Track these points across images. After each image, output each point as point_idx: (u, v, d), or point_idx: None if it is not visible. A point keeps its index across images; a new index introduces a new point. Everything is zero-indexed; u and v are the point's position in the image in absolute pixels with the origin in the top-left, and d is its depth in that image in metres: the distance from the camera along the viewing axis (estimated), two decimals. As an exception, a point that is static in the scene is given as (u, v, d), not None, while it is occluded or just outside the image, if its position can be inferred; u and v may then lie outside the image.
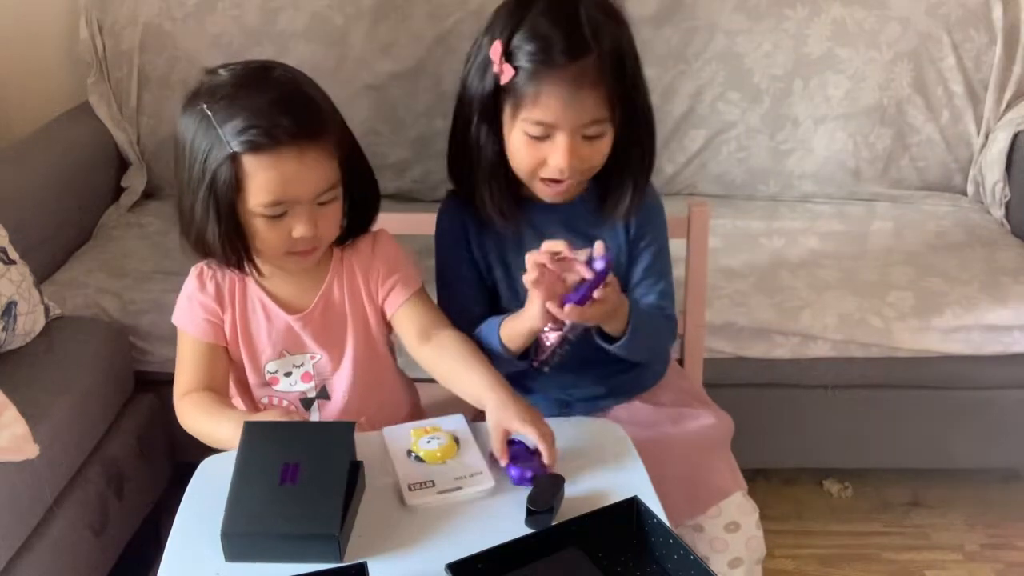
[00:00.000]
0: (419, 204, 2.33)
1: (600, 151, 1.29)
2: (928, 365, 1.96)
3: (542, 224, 1.38)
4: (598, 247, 1.21)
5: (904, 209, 2.36)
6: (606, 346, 1.33)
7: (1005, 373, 1.97)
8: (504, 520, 1.11)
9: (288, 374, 1.37)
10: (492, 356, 1.35)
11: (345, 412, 1.38)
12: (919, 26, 2.31)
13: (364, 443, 1.22)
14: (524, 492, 1.14)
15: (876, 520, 2.11)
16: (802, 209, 2.37)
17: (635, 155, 1.34)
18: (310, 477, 1.10)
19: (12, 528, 1.49)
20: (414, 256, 1.42)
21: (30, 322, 1.72)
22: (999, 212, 2.30)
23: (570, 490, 1.14)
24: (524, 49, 1.24)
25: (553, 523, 1.09)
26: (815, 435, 2.06)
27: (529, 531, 1.08)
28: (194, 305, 1.34)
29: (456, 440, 1.23)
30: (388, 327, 1.40)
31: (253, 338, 1.35)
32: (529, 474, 1.16)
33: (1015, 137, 2.29)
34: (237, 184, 1.19)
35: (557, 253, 1.20)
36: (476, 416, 1.51)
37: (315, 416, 1.39)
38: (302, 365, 1.37)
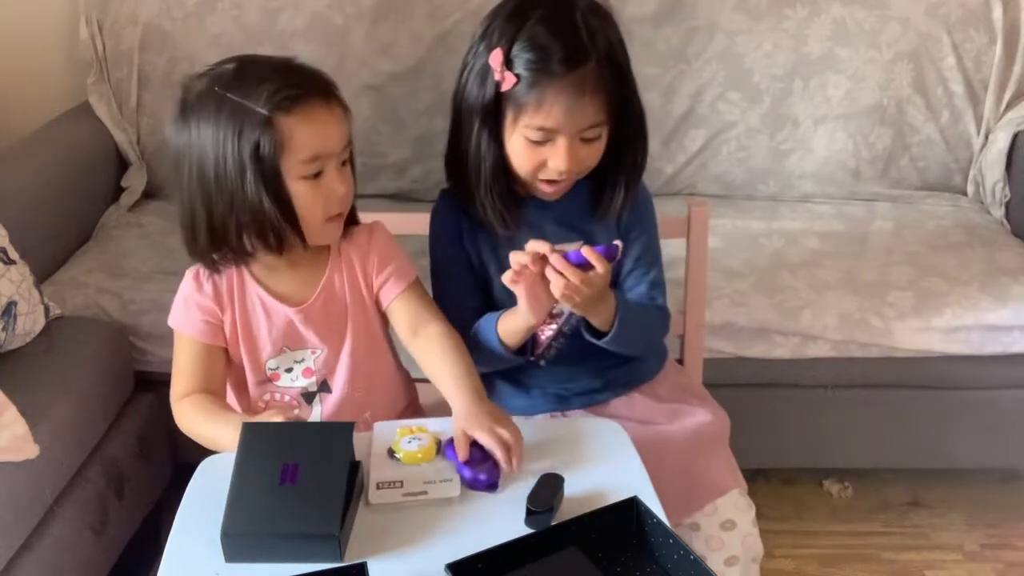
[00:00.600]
0: (419, 204, 2.33)
1: (597, 151, 1.32)
2: (928, 365, 1.96)
3: (536, 221, 1.40)
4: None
5: (904, 209, 2.36)
6: (595, 341, 1.34)
7: (1005, 373, 1.97)
8: (504, 520, 1.11)
9: (289, 370, 1.37)
10: (491, 352, 1.36)
11: (345, 403, 1.39)
12: (919, 26, 2.31)
13: (364, 443, 1.22)
14: (524, 492, 1.14)
15: (876, 520, 2.11)
16: (802, 209, 2.37)
17: (628, 155, 1.36)
18: (310, 477, 1.10)
19: (12, 528, 1.49)
20: (410, 253, 1.42)
21: (30, 322, 1.72)
22: (999, 212, 2.30)
23: (570, 490, 1.14)
24: (524, 58, 1.26)
25: (553, 523, 1.09)
26: (815, 435, 2.06)
27: (529, 531, 1.08)
28: (191, 307, 1.34)
29: (439, 443, 1.22)
30: (384, 318, 1.41)
31: (253, 336, 1.35)
32: (482, 477, 1.15)
33: (1015, 137, 2.30)
34: (280, 147, 1.21)
35: (541, 254, 1.21)
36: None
37: (316, 409, 1.39)
38: (303, 361, 1.37)
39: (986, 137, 2.36)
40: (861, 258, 2.12)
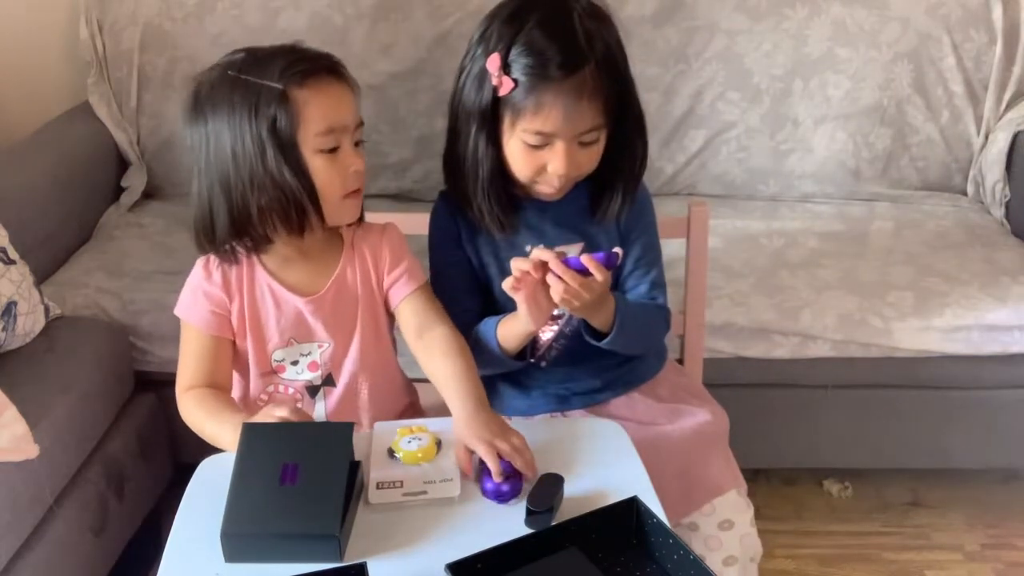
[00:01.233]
0: (419, 204, 2.33)
1: (596, 154, 1.32)
2: (928, 365, 1.96)
3: (536, 223, 1.40)
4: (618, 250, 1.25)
5: (904, 209, 2.36)
6: (595, 343, 1.34)
7: (1005, 373, 1.97)
8: (504, 520, 1.11)
9: (295, 363, 1.37)
10: (490, 356, 1.36)
11: (349, 398, 1.39)
12: (919, 26, 2.31)
13: (363, 443, 1.22)
14: (524, 492, 1.14)
15: (876, 520, 2.11)
16: (802, 209, 2.37)
17: (627, 158, 1.35)
18: (310, 477, 1.10)
19: (12, 528, 1.49)
20: (414, 253, 1.42)
21: (30, 322, 1.72)
22: (999, 212, 2.30)
23: (570, 490, 1.14)
24: (521, 63, 1.25)
25: (553, 523, 1.09)
26: (815, 435, 2.06)
27: (529, 531, 1.08)
28: (199, 296, 1.34)
29: (438, 443, 1.22)
30: (390, 317, 1.41)
31: (261, 325, 1.35)
32: (506, 488, 1.14)
33: (1015, 137, 2.29)
34: (296, 119, 1.23)
35: (543, 261, 1.21)
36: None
37: (320, 404, 1.39)
38: (309, 354, 1.37)
39: (986, 137, 2.36)
40: (861, 258, 2.12)
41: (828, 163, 2.38)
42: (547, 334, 1.42)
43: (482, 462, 1.16)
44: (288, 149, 1.23)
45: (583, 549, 1.06)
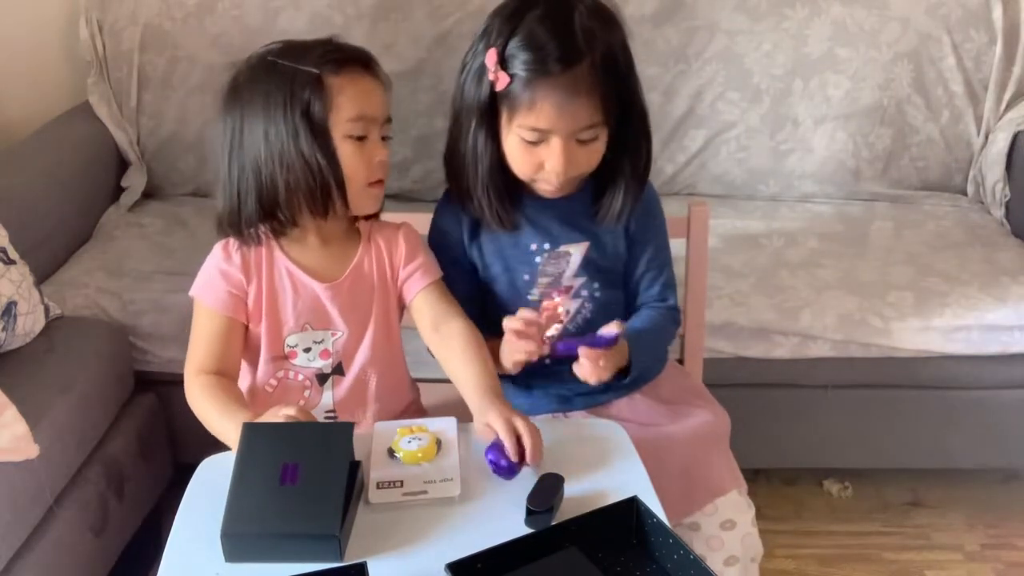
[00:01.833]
0: (420, 204, 2.33)
1: (595, 153, 1.32)
2: (928, 365, 1.96)
3: (541, 220, 1.40)
4: (614, 325, 1.27)
5: (904, 209, 2.36)
6: (621, 383, 1.37)
7: (1005, 373, 1.97)
8: (504, 520, 1.11)
9: (307, 350, 1.38)
10: None
11: (357, 389, 1.40)
12: (919, 26, 2.31)
13: (363, 442, 1.22)
14: (524, 492, 1.14)
15: (876, 520, 2.11)
16: (802, 209, 2.37)
17: (630, 159, 1.35)
18: (310, 477, 1.10)
19: (12, 528, 1.49)
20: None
21: (30, 322, 1.72)
22: (999, 212, 2.30)
23: (570, 490, 1.14)
24: (518, 57, 1.26)
25: (553, 523, 1.09)
26: (815, 435, 2.06)
27: (529, 531, 1.08)
28: (216, 277, 1.35)
29: (439, 443, 1.22)
30: (401, 312, 1.43)
31: (278, 308, 1.36)
32: (504, 463, 1.16)
33: (1015, 137, 2.29)
34: (329, 104, 1.28)
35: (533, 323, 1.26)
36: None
37: (328, 393, 1.40)
38: (322, 342, 1.38)
39: (986, 137, 2.36)
40: (861, 258, 2.12)
41: (828, 163, 2.38)
42: (552, 331, 1.42)
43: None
44: (319, 133, 1.29)
45: (583, 549, 1.06)
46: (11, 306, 1.67)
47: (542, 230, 1.40)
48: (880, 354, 1.94)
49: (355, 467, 1.16)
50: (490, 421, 1.19)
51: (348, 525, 1.09)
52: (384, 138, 1.35)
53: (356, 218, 1.41)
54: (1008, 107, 2.35)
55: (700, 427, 1.43)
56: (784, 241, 2.19)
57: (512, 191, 1.37)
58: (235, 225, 1.34)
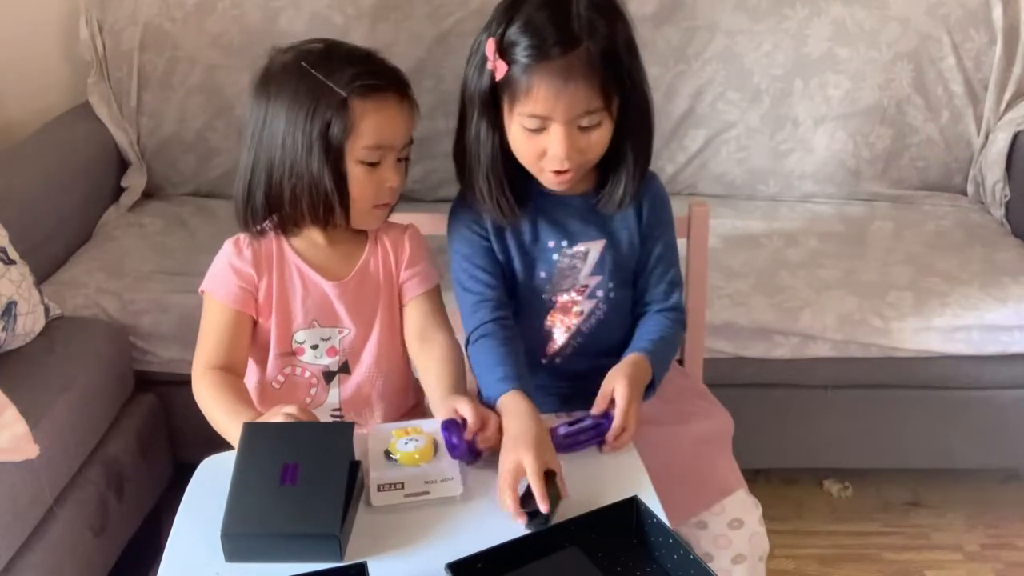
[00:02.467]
0: (420, 204, 2.33)
1: (598, 141, 1.31)
2: (928, 365, 1.96)
3: (557, 215, 1.40)
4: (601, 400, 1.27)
5: (904, 209, 2.36)
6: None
7: (1005, 373, 1.97)
8: (504, 520, 1.11)
9: (315, 346, 1.39)
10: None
11: (363, 388, 1.41)
12: (919, 26, 2.31)
13: (361, 443, 1.22)
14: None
15: (876, 520, 2.11)
16: (802, 209, 2.37)
17: (631, 146, 1.35)
18: (310, 477, 1.10)
19: (12, 528, 1.49)
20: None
21: (30, 322, 1.72)
22: (999, 212, 2.30)
23: (570, 490, 1.14)
24: (517, 44, 1.26)
25: (552, 522, 1.09)
26: (815, 435, 2.06)
27: (529, 531, 1.08)
28: (228, 271, 1.36)
29: (435, 444, 1.22)
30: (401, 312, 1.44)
31: (288, 303, 1.37)
32: (456, 441, 1.16)
33: (1015, 137, 2.30)
34: (349, 129, 1.28)
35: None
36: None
37: (334, 391, 1.41)
38: (330, 339, 1.39)
39: (986, 137, 2.36)
40: (861, 258, 2.12)
41: (828, 163, 2.38)
42: (565, 330, 1.42)
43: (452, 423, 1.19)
44: (333, 154, 1.29)
45: (583, 549, 1.06)
46: (11, 306, 1.67)
47: (560, 228, 1.40)
48: (880, 354, 1.94)
49: (355, 467, 1.16)
50: (457, 406, 1.20)
51: (348, 525, 1.09)
52: (401, 159, 1.36)
53: None
54: (1008, 107, 2.35)
55: (705, 427, 1.44)
56: (784, 241, 2.19)
57: (517, 183, 1.37)
58: (243, 214, 1.35)
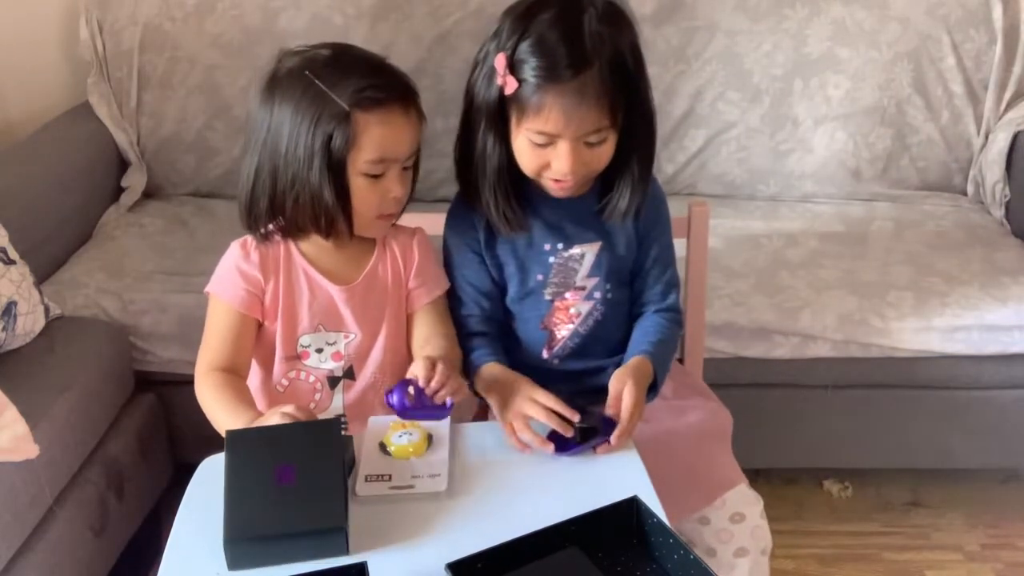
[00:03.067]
0: (419, 204, 2.32)
1: (603, 154, 1.32)
2: (928, 365, 1.96)
3: (553, 217, 1.40)
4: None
5: (904, 209, 2.36)
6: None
7: (1005, 373, 1.97)
8: (504, 519, 1.10)
9: (320, 350, 1.38)
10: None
11: (367, 393, 1.40)
12: (919, 26, 2.31)
13: (357, 439, 1.24)
14: (524, 491, 1.14)
15: (876, 520, 2.11)
16: (802, 209, 2.37)
17: (636, 157, 1.36)
18: (307, 475, 1.09)
19: (12, 528, 1.49)
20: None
21: (30, 322, 1.72)
22: (999, 212, 2.30)
23: (570, 490, 1.15)
24: (528, 63, 1.25)
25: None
26: (815, 435, 2.06)
27: (529, 531, 1.07)
28: (234, 274, 1.36)
29: (429, 438, 1.23)
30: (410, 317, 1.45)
31: (294, 307, 1.37)
32: (397, 396, 1.17)
33: (1015, 137, 2.29)
34: (352, 142, 1.26)
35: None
36: (477, 415, 1.52)
37: (338, 396, 1.41)
38: (335, 343, 1.39)
39: (986, 137, 2.36)
40: (861, 258, 2.12)
41: (828, 163, 2.38)
42: (563, 331, 1.42)
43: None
44: (335, 167, 1.28)
45: (583, 549, 1.06)
46: (11, 306, 1.67)
47: (556, 230, 1.40)
48: (880, 354, 1.94)
49: (350, 463, 1.17)
50: (412, 366, 1.24)
51: (348, 519, 1.09)
52: (407, 168, 1.34)
53: None
54: (1008, 107, 2.35)
55: (704, 423, 1.44)
56: (784, 241, 2.19)
57: (521, 192, 1.38)
58: (246, 218, 1.35)
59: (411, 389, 1.19)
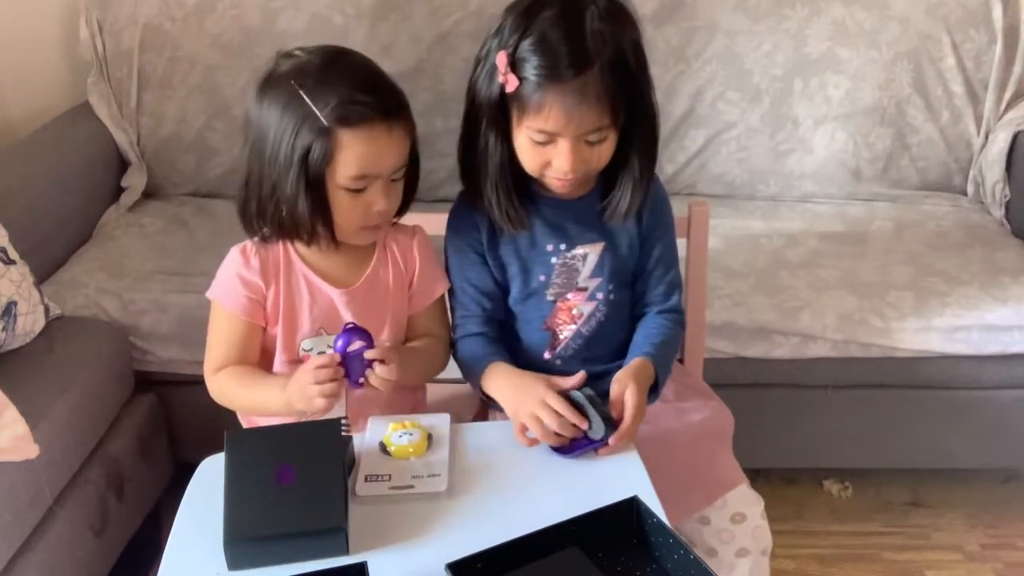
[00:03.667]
0: (419, 204, 2.32)
1: (603, 153, 1.32)
2: (928, 365, 1.96)
3: (556, 218, 1.40)
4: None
5: (904, 209, 2.36)
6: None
7: (1005, 373, 1.97)
8: (504, 519, 1.10)
9: (321, 354, 1.37)
10: (468, 374, 1.41)
11: (370, 395, 1.38)
12: (919, 26, 2.31)
13: (357, 440, 1.24)
14: (524, 491, 1.14)
15: (876, 520, 2.11)
16: (802, 209, 2.37)
17: (637, 156, 1.36)
18: (307, 474, 1.10)
19: (12, 528, 1.49)
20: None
21: (30, 322, 1.72)
22: (999, 212, 2.30)
23: (570, 490, 1.15)
24: (529, 61, 1.25)
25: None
26: (815, 435, 2.06)
27: (529, 531, 1.07)
28: (236, 282, 1.35)
29: (429, 438, 1.23)
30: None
31: (295, 312, 1.37)
32: (341, 343, 1.23)
33: (1015, 137, 2.29)
34: (329, 157, 1.24)
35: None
36: (477, 415, 1.52)
37: (341, 399, 1.39)
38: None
39: (986, 137, 2.36)
40: (861, 258, 2.12)
41: (828, 163, 2.38)
42: (565, 332, 1.42)
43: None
44: (312, 180, 1.26)
45: (583, 549, 1.06)
46: (11, 306, 1.67)
47: (558, 230, 1.40)
48: (880, 354, 1.94)
49: (350, 463, 1.17)
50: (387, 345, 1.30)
51: (348, 519, 1.09)
52: (395, 180, 1.32)
53: None
54: (1008, 107, 2.35)
55: (704, 424, 1.44)
56: (784, 241, 2.19)
57: (523, 189, 1.38)
58: (242, 220, 1.34)
59: (355, 344, 1.24)
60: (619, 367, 1.37)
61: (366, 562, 1.02)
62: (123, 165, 2.41)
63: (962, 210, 2.36)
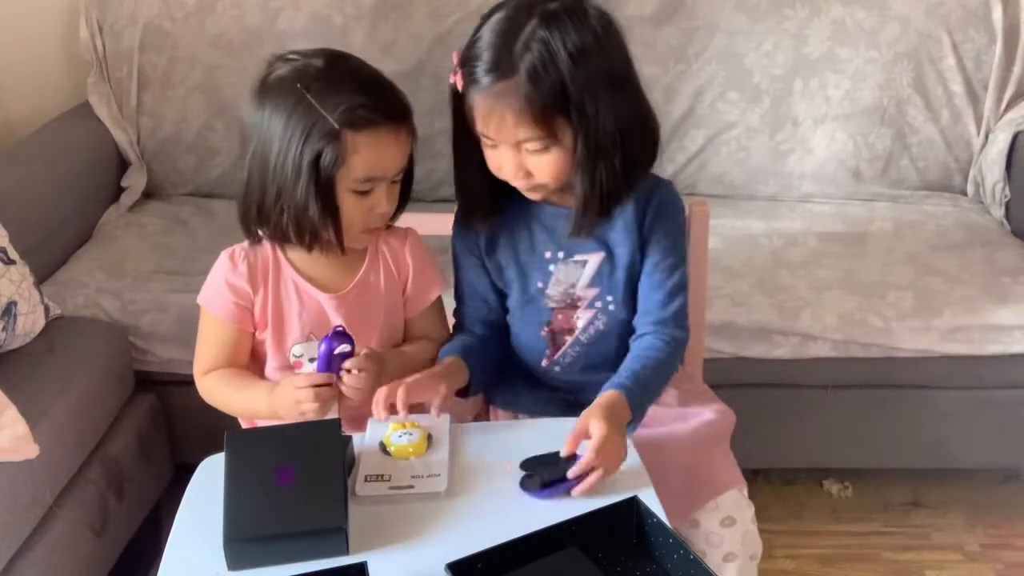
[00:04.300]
0: (420, 204, 2.32)
1: (549, 164, 1.27)
2: (928, 365, 1.96)
3: (553, 225, 1.39)
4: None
5: (904, 209, 2.36)
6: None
7: (1005, 373, 1.97)
8: (504, 519, 1.11)
9: (313, 359, 1.37)
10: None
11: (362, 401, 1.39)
12: (919, 26, 2.31)
13: (356, 439, 1.24)
14: (523, 492, 1.15)
15: (876, 520, 2.11)
16: (802, 209, 2.37)
17: (580, 180, 1.29)
18: (307, 475, 1.10)
19: (12, 528, 1.49)
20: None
21: (30, 322, 1.72)
22: (999, 212, 2.31)
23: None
24: (465, 63, 1.25)
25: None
26: (815, 435, 2.06)
27: (529, 531, 1.07)
28: (224, 288, 1.35)
29: (429, 438, 1.23)
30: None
31: (283, 317, 1.36)
32: (324, 349, 1.25)
33: (1015, 137, 2.30)
34: (341, 161, 1.24)
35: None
36: (477, 416, 1.52)
37: (333, 404, 1.39)
38: None
39: (986, 137, 2.36)
40: (861, 258, 2.12)
41: (828, 163, 2.38)
42: (563, 340, 1.42)
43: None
44: (323, 185, 1.26)
45: (583, 549, 1.06)
46: (11, 306, 1.67)
47: (557, 238, 1.39)
48: (880, 354, 1.94)
49: (350, 463, 1.17)
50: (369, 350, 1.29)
51: (348, 519, 1.09)
52: (395, 182, 1.33)
53: None
54: (1008, 107, 2.35)
55: (703, 426, 1.43)
56: (784, 241, 2.19)
57: (493, 193, 1.36)
58: (241, 222, 1.34)
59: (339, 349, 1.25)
60: None
61: (366, 562, 1.02)
62: (123, 165, 2.42)
63: (962, 210, 2.36)
